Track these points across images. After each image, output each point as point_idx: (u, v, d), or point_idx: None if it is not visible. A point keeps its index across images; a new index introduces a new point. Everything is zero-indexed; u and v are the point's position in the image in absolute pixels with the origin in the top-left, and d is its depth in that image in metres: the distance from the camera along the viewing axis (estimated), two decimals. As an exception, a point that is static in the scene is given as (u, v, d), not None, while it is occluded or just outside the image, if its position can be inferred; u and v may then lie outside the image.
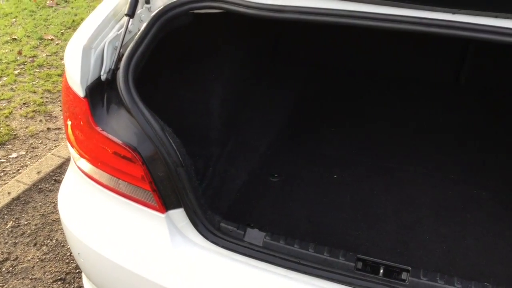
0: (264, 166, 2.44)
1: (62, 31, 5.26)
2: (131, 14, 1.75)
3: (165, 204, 1.67)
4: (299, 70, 3.06)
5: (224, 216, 2.11)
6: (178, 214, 1.70)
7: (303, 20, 1.70)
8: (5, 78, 4.40)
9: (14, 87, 4.29)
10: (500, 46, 1.90)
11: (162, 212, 1.69)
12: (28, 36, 5.12)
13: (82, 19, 5.27)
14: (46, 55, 4.81)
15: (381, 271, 1.60)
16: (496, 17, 1.62)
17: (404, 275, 1.58)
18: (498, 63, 2.82)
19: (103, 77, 1.69)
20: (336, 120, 2.73)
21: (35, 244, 2.83)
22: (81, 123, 1.70)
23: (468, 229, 2.10)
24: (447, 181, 2.34)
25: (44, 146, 3.61)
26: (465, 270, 1.92)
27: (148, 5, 1.84)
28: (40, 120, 3.88)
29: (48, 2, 5.87)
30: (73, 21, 5.44)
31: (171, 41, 2.15)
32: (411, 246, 2.02)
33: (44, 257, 2.76)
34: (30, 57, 4.74)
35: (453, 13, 1.63)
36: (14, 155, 3.52)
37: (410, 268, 1.58)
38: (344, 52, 3.07)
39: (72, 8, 5.77)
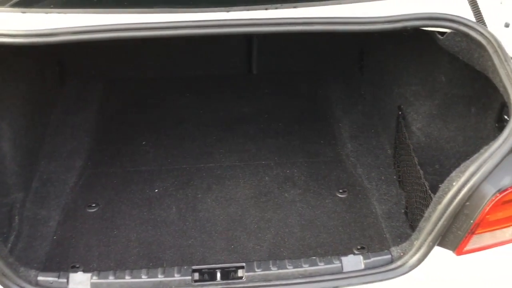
0: (78, 198, 2.26)
1: None
2: None
3: (-37, 275, 1.43)
4: (94, 88, 2.90)
5: (44, 267, 1.92)
6: (-17, 282, 1.47)
7: (78, 41, 1.59)
8: None
9: None
10: (280, 34, 2.02)
11: (-38, 286, 1.44)
12: None
13: None
14: None
15: (218, 275, 1.60)
16: (266, 9, 1.72)
17: (240, 272, 1.60)
18: (282, 49, 3.03)
19: None
20: (145, 132, 2.65)
21: None
22: None
23: (290, 208, 2.22)
24: (262, 168, 2.45)
25: None
26: (294, 248, 2.03)
27: None
28: None
29: None
30: None
31: None
32: (243, 239, 2.07)
33: None
34: None
35: (227, 11, 1.69)
36: None
37: (244, 264, 1.61)
38: (138, 61, 3.00)
39: None
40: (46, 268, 1.91)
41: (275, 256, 1.98)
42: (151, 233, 2.09)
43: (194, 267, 1.60)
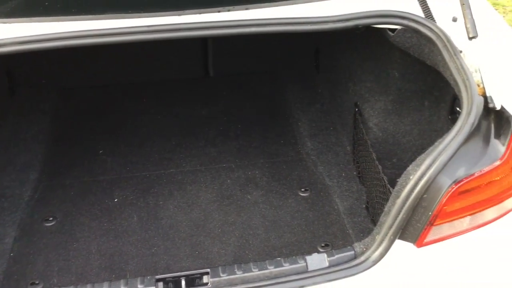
0: (35, 212, 2.19)
1: None
2: None
3: None
4: (46, 98, 2.81)
5: (1, 285, 1.86)
6: None
7: (25, 50, 1.54)
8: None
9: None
10: (234, 36, 2.01)
11: None
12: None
13: None
14: None
15: (183, 283, 1.57)
16: (219, 11, 1.71)
17: (205, 279, 1.58)
18: (238, 51, 3.01)
19: None
20: (101, 140, 2.59)
21: None
22: None
23: (253, 210, 2.21)
24: (223, 171, 2.44)
25: None
26: (259, 249, 2.02)
27: None
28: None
29: None
30: None
31: None
32: (207, 244, 2.05)
33: None
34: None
35: (179, 15, 1.67)
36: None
37: (209, 270, 1.59)
38: (91, 68, 2.93)
39: None
40: (3, 286, 1.84)
41: (240, 259, 1.98)
42: (113, 244, 2.05)
43: (158, 276, 1.57)
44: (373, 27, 1.86)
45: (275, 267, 1.59)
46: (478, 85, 1.60)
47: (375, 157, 2.10)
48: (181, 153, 2.54)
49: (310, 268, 1.60)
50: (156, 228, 2.13)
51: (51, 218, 2.16)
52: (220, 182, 2.36)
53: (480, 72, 1.62)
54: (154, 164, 2.46)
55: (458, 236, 1.61)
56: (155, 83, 2.97)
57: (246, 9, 1.69)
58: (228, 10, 1.69)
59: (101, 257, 1.99)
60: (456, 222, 1.59)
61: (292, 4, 1.80)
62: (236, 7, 1.69)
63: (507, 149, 1.55)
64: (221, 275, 1.57)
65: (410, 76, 2.21)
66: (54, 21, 1.69)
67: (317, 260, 1.62)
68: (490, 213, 1.61)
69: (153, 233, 2.10)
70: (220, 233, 2.10)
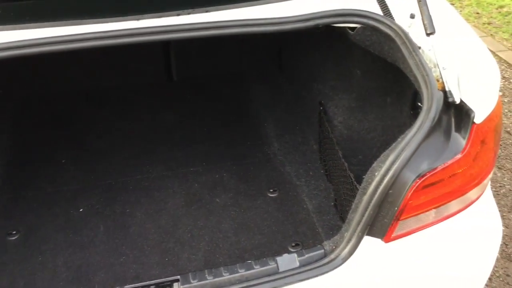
0: None
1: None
2: None
3: None
4: (4, 109, 2.73)
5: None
6: None
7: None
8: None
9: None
10: (196, 39, 1.99)
11: None
12: None
13: None
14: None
15: (153, 292, 1.55)
16: (178, 15, 1.68)
17: (175, 286, 1.56)
18: (201, 54, 2.99)
19: None
20: (63, 150, 2.53)
21: None
22: None
23: (222, 213, 2.20)
24: (191, 175, 2.41)
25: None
26: (230, 253, 2.01)
27: None
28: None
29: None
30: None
31: None
32: (177, 250, 2.03)
33: None
34: None
35: (138, 19, 1.64)
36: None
37: (179, 277, 1.57)
38: (50, 76, 2.85)
39: None
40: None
41: (211, 264, 1.96)
42: (79, 256, 2.00)
43: (127, 286, 1.54)
44: (333, 26, 1.87)
45: (246, 270, 1.58)
46: (438, 80, 1.63)
47: (341, 155, 2.12)
48: (146, 159, 2.50)
49: (281, 269, 1.59)
50: (124, 236, 2.09)
51: (14, 232, 2.09)
52: (188, 187, 2.34)
53: (438, 67, 1.65)
54: (119, 172, 2.42)
55: (425, 229, 1.64)
56: (118, 89, 2.92)
57: (206, 11, 1.68)
58: (188, 13, 1.67)
59: (67, 269, 1.95)
60: (422, 216, 1.61)
61: (253, 5, 1.79)
62: (196, 10, 1.67)
63: (467, 142, 1.58)
64: (192, 281, 1.55)
65: (372, 74, 2.23)
66: (6, 29, 1.63)
67: (288, 260, 1.61)
68: (455, 205, 1.64)
69: (121, 242, 2.07)
70: (189, 239, 2.08)
